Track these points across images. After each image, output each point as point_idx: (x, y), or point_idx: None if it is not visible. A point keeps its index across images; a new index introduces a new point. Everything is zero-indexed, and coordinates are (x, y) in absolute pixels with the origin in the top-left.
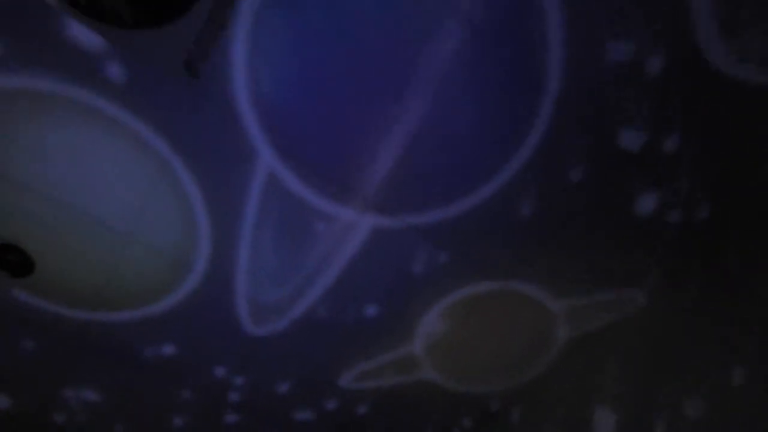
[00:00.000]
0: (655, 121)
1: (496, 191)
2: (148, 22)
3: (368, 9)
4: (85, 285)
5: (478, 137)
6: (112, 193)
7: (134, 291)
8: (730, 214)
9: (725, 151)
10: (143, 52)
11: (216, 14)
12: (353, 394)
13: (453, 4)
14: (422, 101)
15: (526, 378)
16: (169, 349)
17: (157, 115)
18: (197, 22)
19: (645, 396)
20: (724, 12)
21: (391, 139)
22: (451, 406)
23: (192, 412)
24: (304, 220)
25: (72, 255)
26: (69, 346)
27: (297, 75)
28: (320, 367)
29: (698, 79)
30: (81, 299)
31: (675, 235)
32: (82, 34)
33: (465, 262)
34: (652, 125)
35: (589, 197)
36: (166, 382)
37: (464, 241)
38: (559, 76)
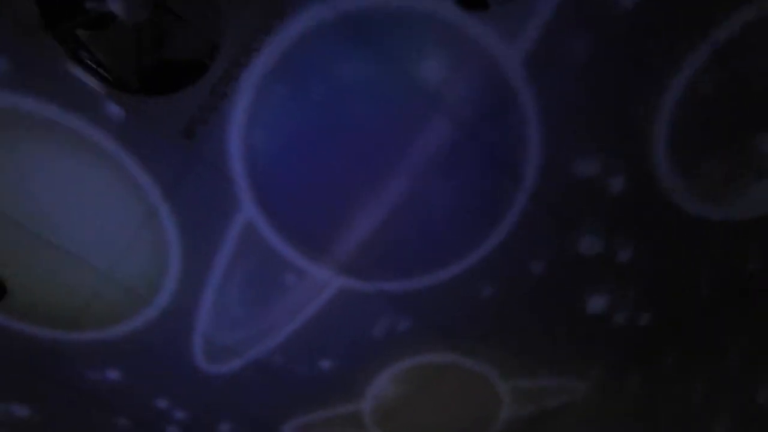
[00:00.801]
0: (612, 234)
1: (464, 271)
2: (153, 91)
3: (365, 95)
4: (42, 302)
5: (453, 220)
6: (90, 222)
7: (89, 314)
8: (667, 323)
9: (669, 270)
10: (143, 112)
11: (219, 86)
12: None
13: (443, 102)
14: (404, 181)
15: None
16: (113, 375)
17: (152, 156)
18: (201, 91)
19: None
20: (680, 151)
21: (370, 211)
22: None
23: None
24: (276, 272)
25: (39, 277)
26: (3, 358)
27: (290, 143)
28: (265, 413)
29: (653, 204)
30: (43, 317)
31: (619, 335)
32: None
33: (424, 332)
34: (609, 237)
35: (546, 291)
36: (103, 407)
37: (426, 312)
38: (534, 175)
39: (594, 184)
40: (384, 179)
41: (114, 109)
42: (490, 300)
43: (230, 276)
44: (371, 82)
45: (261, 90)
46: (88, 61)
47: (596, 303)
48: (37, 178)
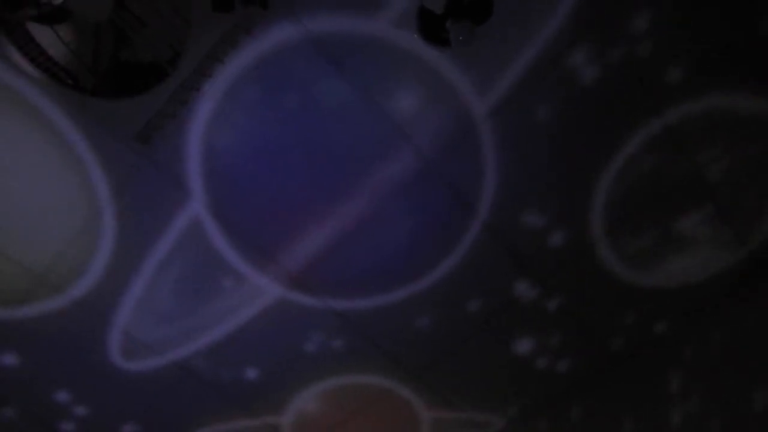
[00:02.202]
0: (546, 283)
1: (404, 298)
2: (107, 94)
3: (332, 115)
4: None
5: (404, 247)
6: (16, 190)
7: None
8: (583, 372)
9: (590, 323)
10: (96, 113)
11: (178, 93)
12: None
13: (410, 134)
14: (361, 204)
15: None
16: (8, 359)
17: (105, 148)
18: (159, 97)
19: None
20: (613, 219)
21: (323, 229)
22: None
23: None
24: (214, 274)
25: None
26: None
27: (249, 152)
28: (177, 417)
29: (585, 262)
30: None
31: (538, 378)
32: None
33: (356, 352)
34: (542, 285)
35: (478, 328)
36: None
37: (361, 334)
38: (485, 214)
39: (537, 235)
40: (341, 199)
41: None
42: (424, 330)
43: (164, 271)
44: (340, 104)
45: (223, 100)
46: (40, 59)
47: (522, 345)
48: None
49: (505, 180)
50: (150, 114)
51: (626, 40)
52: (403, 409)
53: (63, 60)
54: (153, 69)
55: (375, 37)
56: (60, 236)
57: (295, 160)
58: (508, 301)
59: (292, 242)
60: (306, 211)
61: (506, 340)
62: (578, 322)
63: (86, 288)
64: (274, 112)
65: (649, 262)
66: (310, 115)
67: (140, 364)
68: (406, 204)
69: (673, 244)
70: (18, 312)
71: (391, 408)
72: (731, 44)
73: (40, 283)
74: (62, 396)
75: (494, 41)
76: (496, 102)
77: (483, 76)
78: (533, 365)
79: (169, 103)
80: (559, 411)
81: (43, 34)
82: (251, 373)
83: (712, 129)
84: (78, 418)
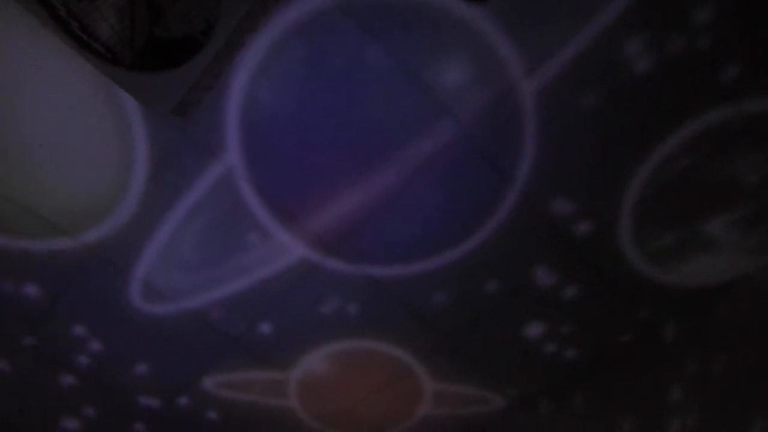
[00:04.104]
0: (565, 271)
1: (423, 273)
2: (146, 67)
3: (372, 85)
4: None
5: (433, 220)
6: (57, 129)
7: (22, 222)
8: (589, 363)
9: (604, 317)
10: (134, 88)
11: (213, 65)
12: (210, 398)
13: (450, 107)
14: (395, 174)
15: None
16: (30, 290)
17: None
18: (195, 70)
19: None
20: (643, 214)
21: (353, 195)
22: None
23: (27, 360)
24: (241, 228)
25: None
26: None
27: (286, 117)
28: (188, 363)
29: (607, 254)
30: None
31: (544, 363)
32: None
33: (370, 319)
34: (561, 273)
35: (493, 308)
36: (8, 321)
37: (378, 303)
38: (519, 192)
39: (564, 222)
40: (375, 168)
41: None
42: (440, 305)
43: (192, 220)
44: (379, 73)
45: (259, 67)
46: (78, 32)
47: (533, 330)
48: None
49: (541, 163)
50: (186, 87)
51: (686, 32)
52: (408, 379)
53: (104, 35)
54: (188, 42)
55: (422, 3)
56: (92, 175)
57: (332, 122)
58: (526, 285)
59: (321, 205)
60: (337, 176)
61: (518, 324)
62: (592, 314)
63: (113, 228)
64: (305, 80)
65: (670, 259)
66: (346, 83)
67: (158, 307)
68: (440, 177)
69: (697, 244)
70: (44, 245)
71: (396, 376)
72: None
73: (69, 218)
74: (79, 330)
75: (552, 20)
76: (545, 83)
77: (536, 55)
78: (541, 350)
79: (205, 75)
80: (560, 396)
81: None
82: (265, 328)
83: (757, 134)
84: (93, 353)
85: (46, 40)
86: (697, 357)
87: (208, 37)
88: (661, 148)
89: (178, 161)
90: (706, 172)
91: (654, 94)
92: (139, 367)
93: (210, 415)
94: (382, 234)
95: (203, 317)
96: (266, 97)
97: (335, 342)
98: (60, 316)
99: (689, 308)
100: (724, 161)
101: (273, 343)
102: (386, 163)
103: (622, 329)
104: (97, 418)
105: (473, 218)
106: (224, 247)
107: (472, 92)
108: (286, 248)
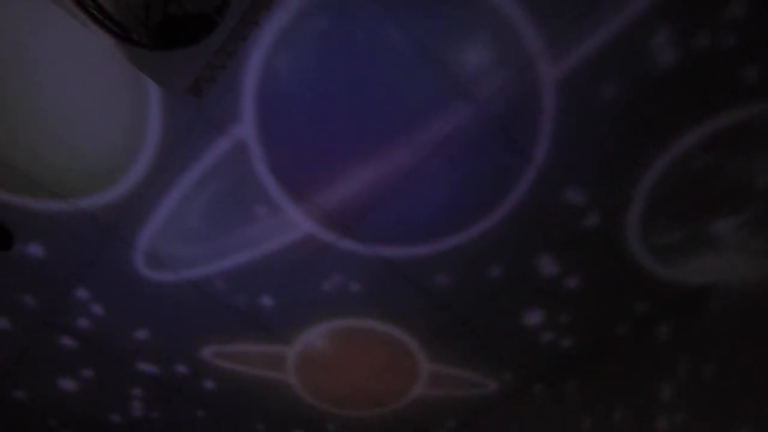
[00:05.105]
0: (569, 261)
1: (429, 255)
2: (160, 46)
3: (390, 64)
4: None
5: (444, 202)
6: (76, 97)
7: (31, 181)
8: (585, 352)
9: (604, 309)
10: (150, 66)
11: (228, 44)
12: (208, 367)
13: (470, 90)
14: (409, 153)
15: (369, 415)
16: (35, 250)
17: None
18: (209, 48)
19: None
20: (652, 210)
21: (366, 173)
22: (293, 414)
23: (27, 320)
24: (250, 200)
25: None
26: None
27: (302, 92)
28: (189, 331)
29: (613, 247)
30: None
31: (540, 351)
32: None
33: (372, 299)
34: (565, 263)
35: (494, 294)
36: (11, 280)
37: (381, 283)
38: (529, 181)
39: (574, 212)
40: (391, 147)
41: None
42: (442, 288)
43: (201, 189)
44: (397, 52)
45: (275, 42)
46: (93, 11)
47: (532, 317)
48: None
49: (557, 152)
50: (201, 66)
51: (714, 28)
52: (405, 359)
53: (118, 13)
54: (202, 20)
55: None
56: (103, 139)
57: (346, 103)
58: (529, 273)
59: (333, 182)
60: (351, 154)
61: (517, 310)
62: (590, 305)
63: (121, 193)
64: (328, 54)
65: (674, 256)
66: (366, 60)
67: (161, 275)
68: (454, 158)
69: (703, 242)
70: (50, 206)
71: (394, 356)
72: None
73: (77, 181)
74: (81, 293)
75: (580, 10)
76: (568, 71)
77: (562, 43)
78: (538, 338)
79: (219, 53)
80: (553, 383)
81: None
82: (267, 301)
83: None
84: (94, 316)
85: None
86: (689, 357)
87: (222, 14)
88: (678, 144)
89: (190, 130)
90: (720, 171)
91: (675, 90)
92: (140, 333)
93: (207, 384)
94: (394, 214)
95: (206, 287)
96: (283, 72)
97: (336, 319)
98: (62, 278)
99: (686, 307)
100: (738, 162)
101: (274, 317)
102: (402, 142)
103: (619, 322)
104: (95, 380)
105: (486, 201)
106: (231, 218)
107: (492, 75)
108: (294, 223)
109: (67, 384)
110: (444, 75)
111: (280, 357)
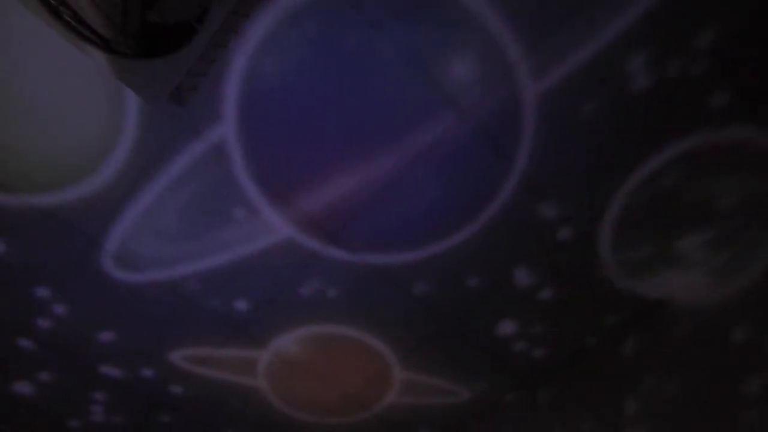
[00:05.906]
0: (543, 273)
1: (408, 263)
2: (140, 54)
3: (375, 71)
4: None
5: (426, 210)
6: (53, 90)
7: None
8: (556, 363)
9: (575, 320)
10: (129, 75)
11: (208, 51)
12: (176, 372)
13: (454, 99)
14: (391, 161)
15: (340, 423)
16: None
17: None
18: (189, 56)
19: None
20: (621, 228)
21: (347, 179)
22: (263, 420)
23: None
24: (227, 202)
25: None
26: None
27: (285, 97)
28: (156, 334)
29: (585, 261)
30: None
31: (512, 361)
32: None
33: (348, 305)
34: (540, 275)
35: (470, 303)
36: None
37: (357, 290)
38: (508, 193)
39: (549, 226)
40: (374, 154)
41: None
42: (419, 296)
43: (177, 188)
44: (380, 61)
45: (258, 49)
46: (70, 19)
47: (506, 328)
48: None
49: (534, 166)
50: (181, 74)
51: (686, 55)
52: (378, 366)
53: (95, 22)
54: (181, 28)
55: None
56: (79, 130)
57: (330, 109)
58: (504, 283)
59: (314, 187)
60: (334, 160)
61: (492, 320)
62: (562, 316)
63: (92, 189)
64: (314, 60)
65: (642, 271)
66: (348, 69)
67: (131, 275)
68: (438, 168)
69: (669, 258)
70: (15, 200)
71: (367, 362)
72: None
73: (47, 175)
74: (43, 292)
75: (561, 30)
76: (547, 89)
77: (542, 61)
78: (511, 348)
79: (200, 61)
80: (525, 393)
81: None
82: (241, 305)
83: (737, 160)
84: (56, 316)
85: None
86: (653, 372)
87: (202, 22)
88: (650, 163)
89: (168, 131)
90: (687, 191)
91: (648, 111)
92: (104, 335)
93: (174, 389)
94: (375, 221)
95: (178, 289)
96: (266, 77)
97: (310, 325)
98: (20, 276)
99: (650, 322)
100: (704, 182)
101: (247, 321)
102: (385, 149)
103: (590, 334)
104: (53, 383)
105: (467, 211)
106: (208, 219)
107: (477, 88)
108: (272, 227)
109: (23, 387)
110: (428, 84)
111: (251, 362)
